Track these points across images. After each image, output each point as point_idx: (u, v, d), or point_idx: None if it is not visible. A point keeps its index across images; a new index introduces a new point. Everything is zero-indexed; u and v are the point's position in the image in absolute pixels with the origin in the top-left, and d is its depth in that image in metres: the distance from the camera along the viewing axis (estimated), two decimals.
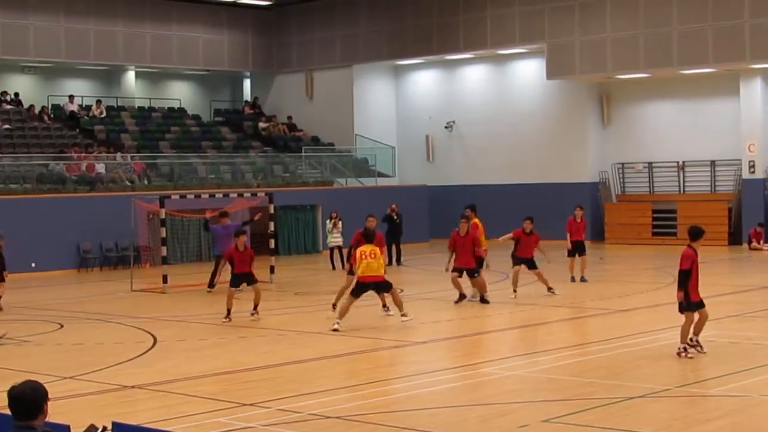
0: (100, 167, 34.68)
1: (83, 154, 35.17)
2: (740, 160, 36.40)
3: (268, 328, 18.89)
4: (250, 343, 17.49)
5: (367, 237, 18.82)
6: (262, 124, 43.43)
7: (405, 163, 43.14)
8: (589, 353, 15.62)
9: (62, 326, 19.86)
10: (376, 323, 19.05)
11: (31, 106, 39.05)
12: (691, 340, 14.59)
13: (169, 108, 43.90)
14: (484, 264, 21.49)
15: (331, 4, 42.98)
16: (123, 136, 38.90)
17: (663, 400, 12.05)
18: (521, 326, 19.36)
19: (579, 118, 39.43)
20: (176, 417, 11.61)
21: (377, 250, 18.65)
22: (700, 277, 14.76)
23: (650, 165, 38.88)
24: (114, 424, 7.35)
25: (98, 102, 40.65)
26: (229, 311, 19.78)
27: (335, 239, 30.89)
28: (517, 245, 22.62)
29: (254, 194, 29.69)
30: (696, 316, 14.59)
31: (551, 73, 37.90)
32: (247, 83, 47.17)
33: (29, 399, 6.06)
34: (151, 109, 43.17)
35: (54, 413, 6.96)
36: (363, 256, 18.26)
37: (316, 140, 42.87)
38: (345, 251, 20.86)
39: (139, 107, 42.86)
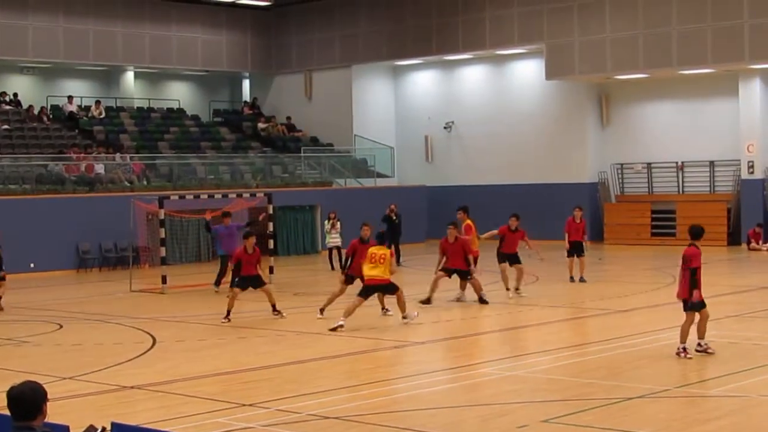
0: (99, 168, 34.68)
1: (82, 155, 35.16)
2: (739, 160, 36.40)
3: (267, 328, 18.88)
4: (250, 343, 17.48)
5: (378, 239, 19.20)
6: (261, 125, 43.43)
7: (404, 164, 43.14)
8: (588, 353, 15.62)
9: (61, 327, 19.85)
10: (375, 324, 19.04)
11: (30, 106, 39.04)
12: (699, 345, 14.56)
13: (168, 108, 43.90)
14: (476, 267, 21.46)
15: (330, 4, 42.98)
16: (122, 137, 38.89)
17: (662, 401, 12.05)
18: (520, 326, 19.35)
19: (578, 119, 39.44)
20: (175, 417, 11.60)
21: (387, 253, 18.75)
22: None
23: (649, 165, 38.88)
24: (113, 424, 7.35)
25: (97, 102, 40.64)
26: (229, 312, 19.75)
27: (334, 240, 30.87)
28: (501, 242, 22.75)
29: (253, 195, 29.68)
30: (696, 316, 14.58)
31: (550, 73, 37.90)
32: (246, 84, 47.17)
33: (28, 399, 6.06)
34: (150, 109, 43.17)
35: (53, 414, 6.96)
36: (372, 259, 18.42)
37: (315, 141, 42.87)
38: (345, 252, 20.77)
39: (138, 108, 42.86)
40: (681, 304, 14.76)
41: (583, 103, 39.38)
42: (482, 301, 21.29)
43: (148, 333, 18.47)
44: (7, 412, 6.19)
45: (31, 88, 41.20)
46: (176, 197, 28.65)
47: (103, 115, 40.36)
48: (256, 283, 20.02)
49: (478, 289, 21.35)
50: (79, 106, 40.71)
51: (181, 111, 44.14)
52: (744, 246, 35.37)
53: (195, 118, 43.72)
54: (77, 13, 39.19)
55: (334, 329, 17.87)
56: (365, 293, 18.61)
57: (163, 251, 26.61)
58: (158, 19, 41.39)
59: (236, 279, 20.33)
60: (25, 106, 39.08)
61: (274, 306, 20.00)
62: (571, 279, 25.13)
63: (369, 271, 18.46)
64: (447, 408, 12.10)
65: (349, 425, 11.11)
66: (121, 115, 41.35)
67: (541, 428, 10.76)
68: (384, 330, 18.41)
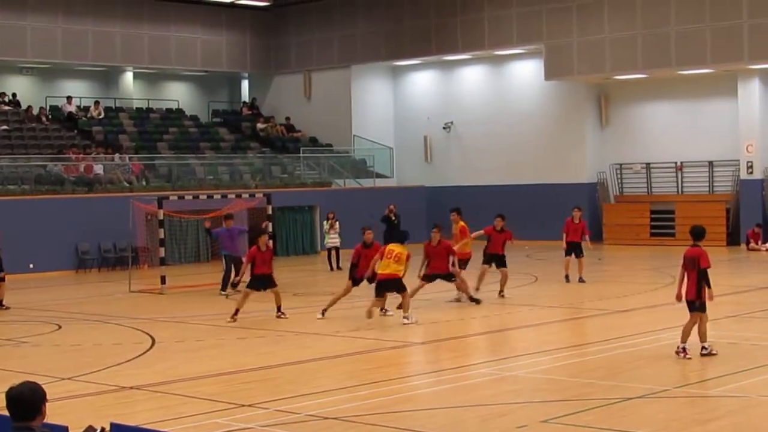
0: (99, 168, 34.66)
1: (81, 155, 35.15)
2: (738, 160, 36.39)
3: (266, 329, 18.87)
4: (249, 343, 17.47)
5: (399, 238, 19.44)
6: (260, 125, 43.43)
7: (403, 164, 43.14)
8: (587, 354, 15.62)
9: (60, 327, 19.85)
10: (374, 324, 19.04)
11: (29, 107, 39.03)
12: (704, 348, 14.56)
13: (167, 109, 43.89)
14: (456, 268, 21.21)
15: (329, 4, 42.98)
16: (121, 137, 38.88)
17: (662, 401, 12.05)
18: (520, 327, 19.35)
19: (577, 119, 39.44)
20: (174, 418, 11.60)
21: (404, 254, 18.84)
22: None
23: (648, 166, 38.88)
24: (112, 425, 7.34)
25: (96, 103, 40.63)
26: (237, 311, 19.75)
27: (332, 240, 30.87)
28: (488, 243, 22.66)
29: (252, 195, 29.68)
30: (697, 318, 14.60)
31: (549, 73, 37.90)
32: (245, 84, 47.17)
33: (27, 400, 6.05)
34: (149, 110, 43.17)
35: (52, 414, 6.95)
36: (389, 255, 18.71)
37: (314, 141, 42.87)
38: (351, 255, 20.71)
39: (137, 108, 42.86)
40: (678, 305, 14.75)
41: (582, 103, 39.39)
42: (473, 300, 21.25)
43: (148, 333, 18.46)
44: (6, 413, 6.18)
45: (30, 88, 41.19)
46: (175, 198, 28.65)
47: (102, 115, 40.35)
48: (268, 283, 20.04)
49: (465, 291, 21.30)
50: (78, 107, 40.70)
51: (180, 111, 44.14)
52: (743, 246, 35.36)
53: (194, 118, 43.72)
54: (76, 13, 39.18)
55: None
56: (378, 291, 18.94)
57: (162, 252, 26.60)
58: (157, 19, 41.38)
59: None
60: (24, 106, 39.07)
61: (279, 307, 20.03)
62: (567, 278, 25.09)
63: (382, 269, 18.74)
64: (446, 408, 12.10)
65: (348, 426, 11.10)
66: (120, 115, 41.34)
67: (540, 428, 10.76)
68: (383, 330, 18.41)
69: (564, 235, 25.33)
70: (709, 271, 14.52)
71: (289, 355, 15.89)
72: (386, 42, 41.63)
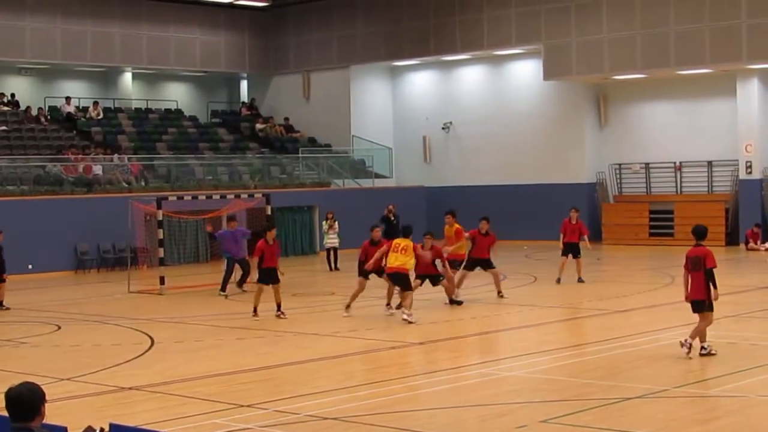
0: (98, 169, 34.65)
1: (80, 156, 35.14)
2: (737, 160, 36.40)
3: (265, 329, 18.87)
4: (248, 344, 17.47)
5: (405, 232, 19.99)
6: (259, 126, 43.42)
7: (402, 164, 43.14)
8: (587, 354, 15.62)
9: (59, 328, 19.84)
10: (374, 324, 19.05)
11: (28, 107, 39.03)
12: (703, 348, 14.56)
13: (166, 109, 43.89)
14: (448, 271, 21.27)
15: (327, 5, 42.97)
16: (120, 138, 38.88)
17: (661, 401, 12.04)
18: (519, 327, 19.35)
19: (576, 119, 39.44)
20: (173, 418, 11.59)
21: (410, 245, 19.52)
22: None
23: (647, 166, 38.89)
24: (111, 425, 7.34)
25: (95, 103, 40.63)
26: (255, 309, 19.92)
27: (331, 240, 30.86)
28: (473, 246, 22.50)
29: (251, 195, 29.68)
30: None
31: (548, 73, 37.90)
32: (244, 84, 47.16)
33: (26, 401, 6.05)
34: (148, 110, 43.16)
35: (51, 415, 6.95)
36: (396, 249, 19.39)
37: (313, 141, 42.87)
38: (358, 256, 20.75)
39: (136, 108, 42.86)
40: (680, 305, 14.74)
41: (580, 103, 39.39)
42: (453, 302, 21.21)
43: (147, 334, 18.46)
44: (5, 414, 6.18)
45: (28, 89, 41.18)
46: (174, 198, 28.63)
47: (101, 116, 40.34)
48: (275, 277, 20.10)
49: (449, 292, 21.28)
50: (77, 107, 40.70)
51: (179, 112, 44.13)
52: (742, 246, 35.36)
53: (193, 118, 43.71)
54: (75, 14, 39.17)
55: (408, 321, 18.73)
56: (394, 282, 19.63)
57: (161, 252, 26.60)
58: (156, 19, 41.38)
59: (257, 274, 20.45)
60: (23, 107, 39.07)
61: (279, 305, 20.07)
62: (558, 280, 25.04)
63: (391, 262, 19.36)
64: (446, 408, 12.10)
65: (347, 426, 11.10)
66: (119, 116, 41.33)
67: (539, 428, 10.76)
68: (383, 331, 18.41)
69: (561, 236, 25.33)
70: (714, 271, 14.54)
71: (288, 355, 15.89)
72: (385, 42, 41.63)
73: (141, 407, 12.45)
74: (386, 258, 19.68)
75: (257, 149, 41.48)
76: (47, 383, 12.71)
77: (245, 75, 46.32)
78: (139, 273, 29.37)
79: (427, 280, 20.55)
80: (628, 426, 10.72)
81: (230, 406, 12.18)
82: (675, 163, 38.22)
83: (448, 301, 21.33)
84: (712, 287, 14.51)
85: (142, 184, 35.31)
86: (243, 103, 46.09)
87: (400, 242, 19.65)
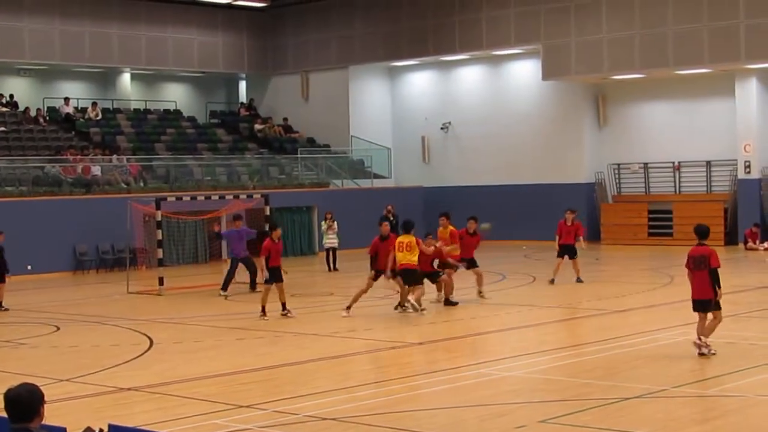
0: (96, 169, 34.65)
1: (79, 157, 35.14)
2: (736, 160, 36.41)
3: (265, 329, 18.87)
4: (247, 344, 17.47)
5: (406, 228, 20.24)
6: (257, 126, 43.42)
7: (401, 165, 43.13)
8: (585, 354, 15.61)
9: (58, 329, 19.83)
10: (373, 325, 19.05)
11: (27, 108, 39.02)
12: (699, 340, 14.56)
13: (164, 110, 43.88)
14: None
15: (326, 5, 42.97)
16: (119, 138, 38.87)
17: (660, 401, 12.05)
18: (518, 327, 19.35)
19: (575, 119, 39.45)
20: (172, 419, 11.59)
21: (413, 241, 19.95)
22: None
23: (646, 165, 38.90)
24: (110, 426, 7.33)
25: (94, 104, 40.62)
26: (264, 309, 19.94)
27: (330, 240, 30.87)
28: (461, 245, 22.46)
29: (250, 196, 29.69)
30: (702, 315, 14.61)
31: (547, 73, 37.90)
32: (242, 85, 47.16)
33: (25, 401, 6.05)
34: (147, 111, 43.16)
35: (50, 416, 6.95)
36: (400, 248, 19.82)
37: (311, 142, 42.87)
38: (368, 252, 20.84)
39: (134, 109, 42.85)
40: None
41: (579, 103, 39.40)
42: (448, 303, 21.24)
43: (146, 335, 18.45)
44: (4, 414, 6.18)
45: (27, 89, 41.17)
46: (173, 199, 28.64)
47: (100, 116, 40.34)
48: (279, 276, 20.12)
49: (446, 292, 21.30)
50: (76, 108, 40.69)
51: (177, 112, 44.12)
52: (741, 246, 35.37)
53: (191, 119, 43.71)
54: (73, 14, 39.16)
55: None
56: (406, 281, 19.94)
57: (160, 253, 26.59)
58: (154, 20, 41.37)
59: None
60: (21, 107, 39.06)
61: (284, 305, 20.10)
62: (551, 281, 25.02)
63: (400, 259, 19.82)
64: (445, 408, 12.10)
65: (347, 426, 11.10)
66: (118, 116, 41.33)
67: (539, 428, 10.76)
68: (382, 331, 18.42)
69: (557, 237, 25.34)
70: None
71: (288, 355, 15.89)
72: (384, 42, 41.63)
73: (140, 408, 12.45)
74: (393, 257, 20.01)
75: (256, 150, 41.48)
76: (46, 384, 12.71)
77: (244, 75, 46.31)
78: (137, 274, 29.37)
79: (426, 279, 20.60)
80: (626, 426, 10.72)
81: (230, 407, 12.18)
82: (674, 162, 38.24)
83: (443, 301, 21.32)
84: (716, 287, 14.51)
85: (141, 184, 35.31)
86: (242, 103, 46.09)
87: (403, 240, 19.97)
